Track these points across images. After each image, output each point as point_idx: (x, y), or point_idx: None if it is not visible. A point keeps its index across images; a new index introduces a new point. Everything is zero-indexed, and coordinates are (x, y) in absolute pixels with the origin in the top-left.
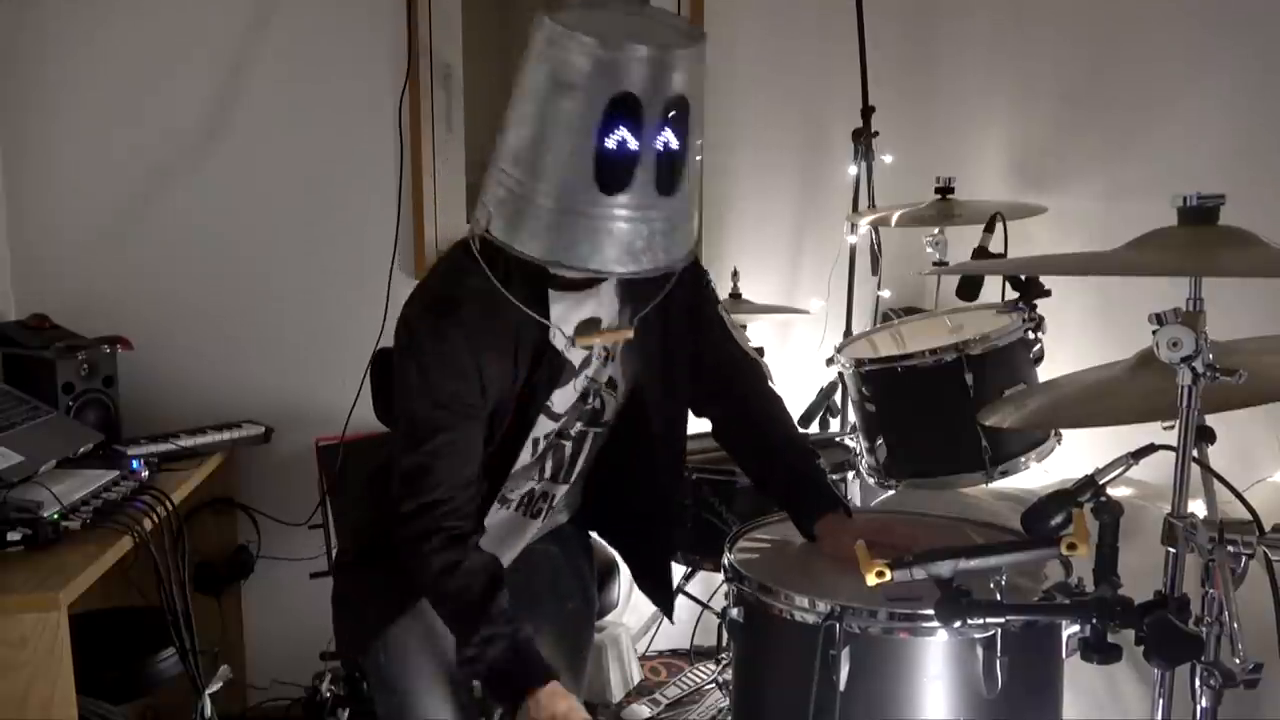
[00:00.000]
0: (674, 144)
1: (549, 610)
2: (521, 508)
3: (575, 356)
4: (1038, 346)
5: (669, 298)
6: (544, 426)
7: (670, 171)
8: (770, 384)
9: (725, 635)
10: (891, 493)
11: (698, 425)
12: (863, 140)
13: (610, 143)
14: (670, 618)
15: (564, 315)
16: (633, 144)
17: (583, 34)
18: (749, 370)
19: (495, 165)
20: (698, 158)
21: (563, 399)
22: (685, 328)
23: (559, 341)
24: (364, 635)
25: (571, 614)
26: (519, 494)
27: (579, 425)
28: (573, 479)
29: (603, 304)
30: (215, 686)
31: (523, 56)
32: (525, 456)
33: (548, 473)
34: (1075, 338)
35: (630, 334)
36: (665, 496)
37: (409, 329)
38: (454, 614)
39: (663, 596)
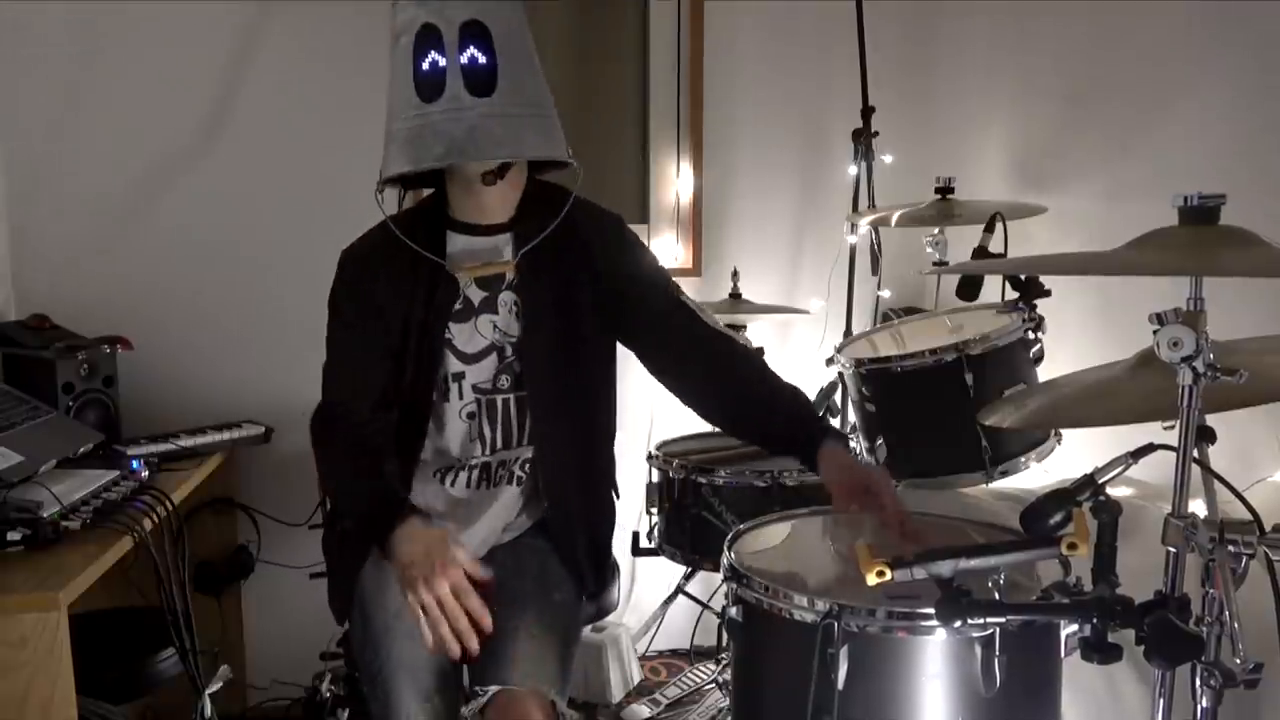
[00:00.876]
0: (480, 59)
1: (533, 600)
2: (484, 478)
3: (474, 296)
4: (1038, 346)
5: (565, 255)
6: (454, 365)
7: (480, 79)
8: (748, 351)
9: (725, 635)
10: None
11: (698, 425)
12: (863, 140)
13: (425, 64)
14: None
15: (461, 254)
16: (441, 61)
17: None
18: (727, 348)
19: None
20: (528, 65)
21: (467, 339)
22: (607, 296)
23: (459, 277)
24: (343, 596)
25: (558, 605)
26: (475, 462)
27: (505, 382)
28: (525, 441)
29: (502, 247)
30: (215, 686)
31: None
32: (449, 406)
33: (498, 441)
34: (1075, 338)
35: (505, 268)
36: (595, 467)
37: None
38: (339, 486)
39: (599, 577)
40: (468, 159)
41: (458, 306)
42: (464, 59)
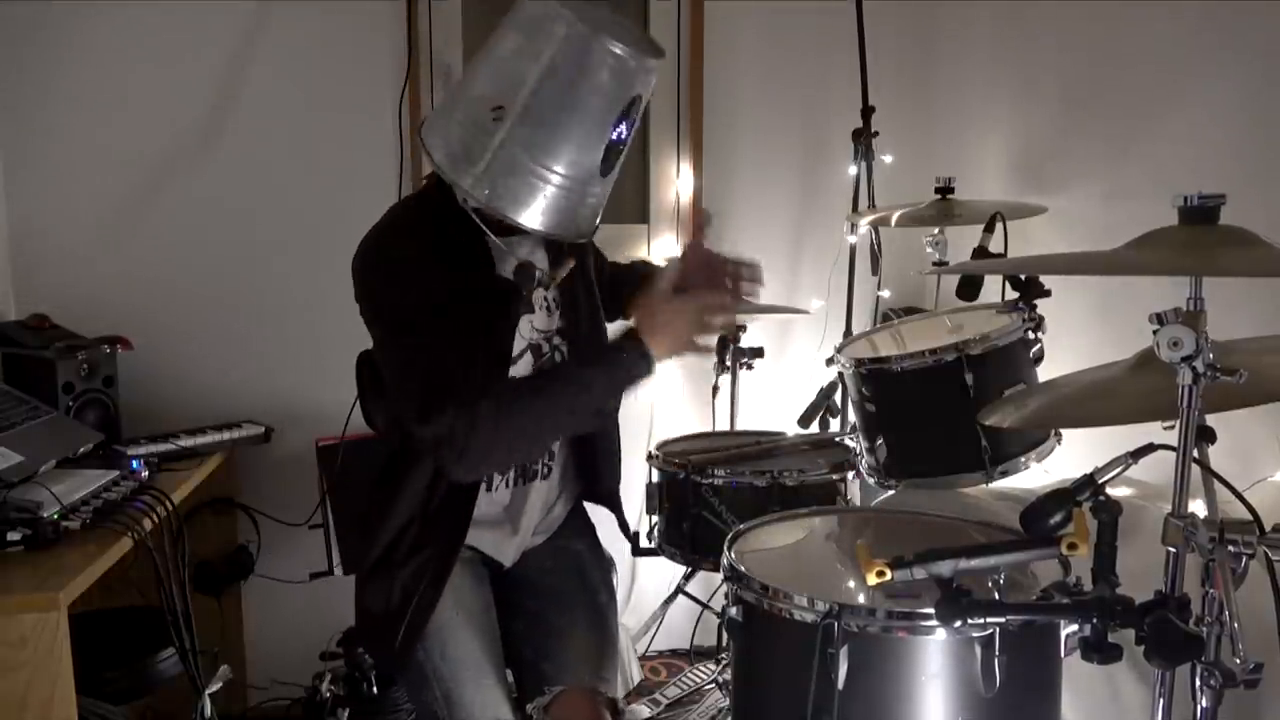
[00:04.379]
0: (626, 136)
1: (581, 605)
2: (520, 475)
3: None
4: (1038, 346)
5: (577, 246)
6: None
7: (617, 159)
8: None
9: (725, 635)
10: (891, 493)
11: (698, 425)
12: (863, 140)
13: (615, 134)
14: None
15: (505, 254)
16: (625, 133)
17: (610, 41)
18: (615, 269)
19: (475, 114)
20: None
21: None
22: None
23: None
24: (405, 643)
25: (602, 607)
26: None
27: None
28: None
29: (535, 250)
30: (215, 686)
31: (522, 30)
32: None
33: None
34: (1075, 338)
35: (558, 278)
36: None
37: (363, 269)
38: (562, 410)
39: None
40: (582, 238)
41: None
42: (621, 134)
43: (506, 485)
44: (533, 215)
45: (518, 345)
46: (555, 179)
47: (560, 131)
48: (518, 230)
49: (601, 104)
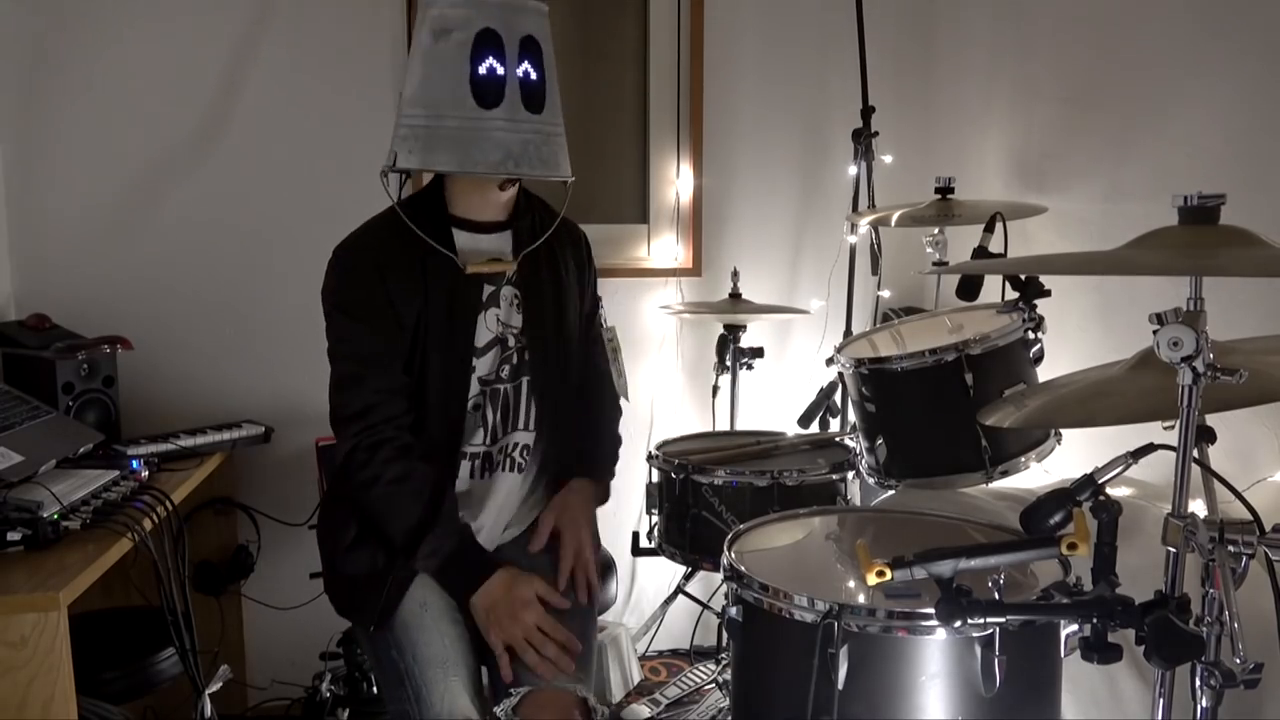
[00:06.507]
0: (533, 74)
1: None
2: (486, 467)
3: (483, 291)
4: (1038, 346)
5: (556, 254)
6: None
7: (533, 95)
8: (614, 405)
9: (725, 635)
10: (891, 493)
11: (698, 425)
12: (863, 140)
13: (483, 69)
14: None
15: (469, 251)
16: (499, 69)
17: None
18: (599, 388)
19: (398, 117)
20: (557, 87)
21: (477, 333)
22: (576, 290)
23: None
24: (392, 596)
25: (576, 603)
26: (476, 450)
27: (506, 371)
28: (531, 425)
29: (503, 244)
30: (215, 686)
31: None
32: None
33: (499, 428)
34: (1075, 338)
35: (508, 266)
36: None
37: (326, 273)
38: (410, 524)
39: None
40: (521, 172)
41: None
42: (519, 72)
43: (470, 475)
44: (433, 158)
45: (484, 338)
46: (435, 121)
47: (424, 83)
48: (467, 223)
49: (453, 42)
